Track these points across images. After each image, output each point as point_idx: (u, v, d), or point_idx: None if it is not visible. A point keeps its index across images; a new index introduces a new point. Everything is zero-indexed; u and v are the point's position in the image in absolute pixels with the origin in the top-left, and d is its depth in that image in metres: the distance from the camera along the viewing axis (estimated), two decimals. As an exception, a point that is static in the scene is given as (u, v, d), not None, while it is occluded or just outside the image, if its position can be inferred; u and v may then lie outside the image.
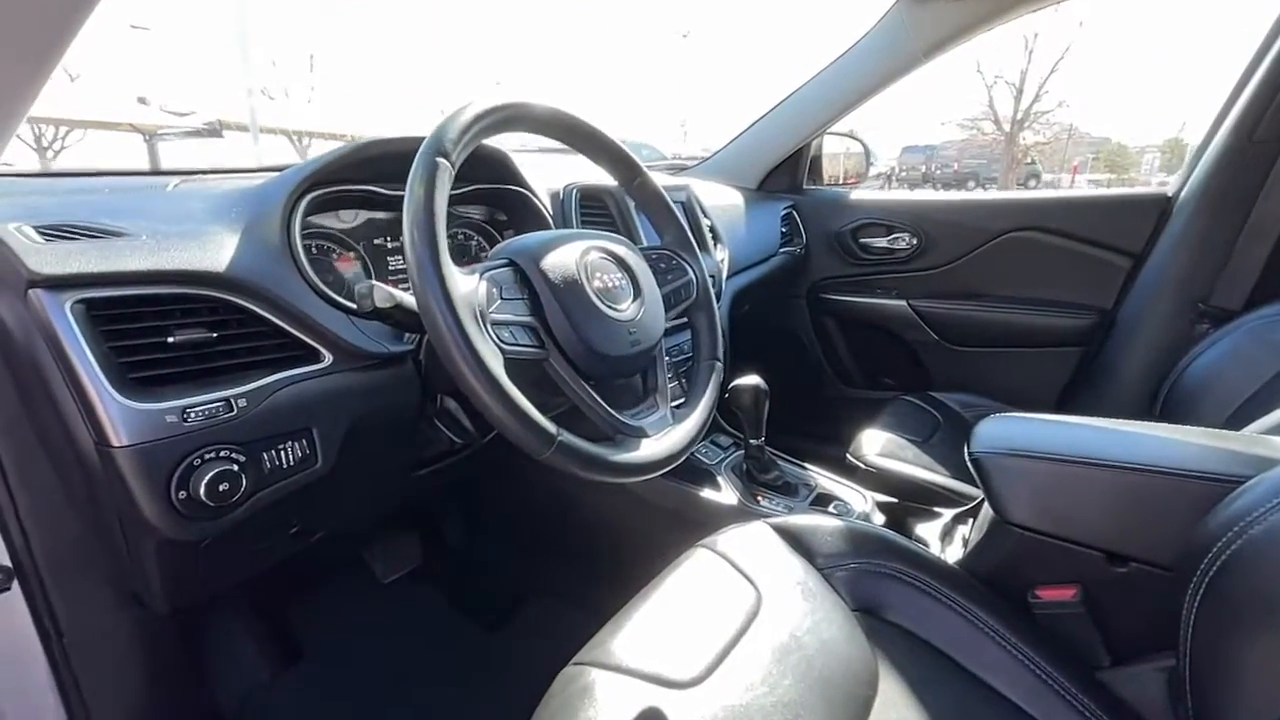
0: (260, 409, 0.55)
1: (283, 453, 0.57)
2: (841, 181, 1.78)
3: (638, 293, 0.64)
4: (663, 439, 0.62)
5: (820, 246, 1.60)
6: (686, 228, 0.77)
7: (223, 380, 0.54)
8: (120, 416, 0.48)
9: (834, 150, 1.73)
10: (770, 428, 0.99)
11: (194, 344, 0.53)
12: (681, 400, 0.70)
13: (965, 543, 0.87)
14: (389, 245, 0.80)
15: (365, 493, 0.76)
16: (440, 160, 0.51)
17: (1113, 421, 0.76)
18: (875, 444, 1.13)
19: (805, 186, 1.66)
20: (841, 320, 1.63)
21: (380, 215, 0.79)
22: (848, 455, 1.14)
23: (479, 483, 1.12)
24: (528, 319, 0.55)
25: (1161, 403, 1.16)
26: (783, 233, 1.53)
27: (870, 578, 0.73)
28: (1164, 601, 0.58)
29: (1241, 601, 0.50)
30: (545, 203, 0.89)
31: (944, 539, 0.91)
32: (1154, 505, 0.63)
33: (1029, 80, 18.19)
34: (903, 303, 1.50)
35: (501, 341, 0.52)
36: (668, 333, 0.70)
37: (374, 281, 0.53)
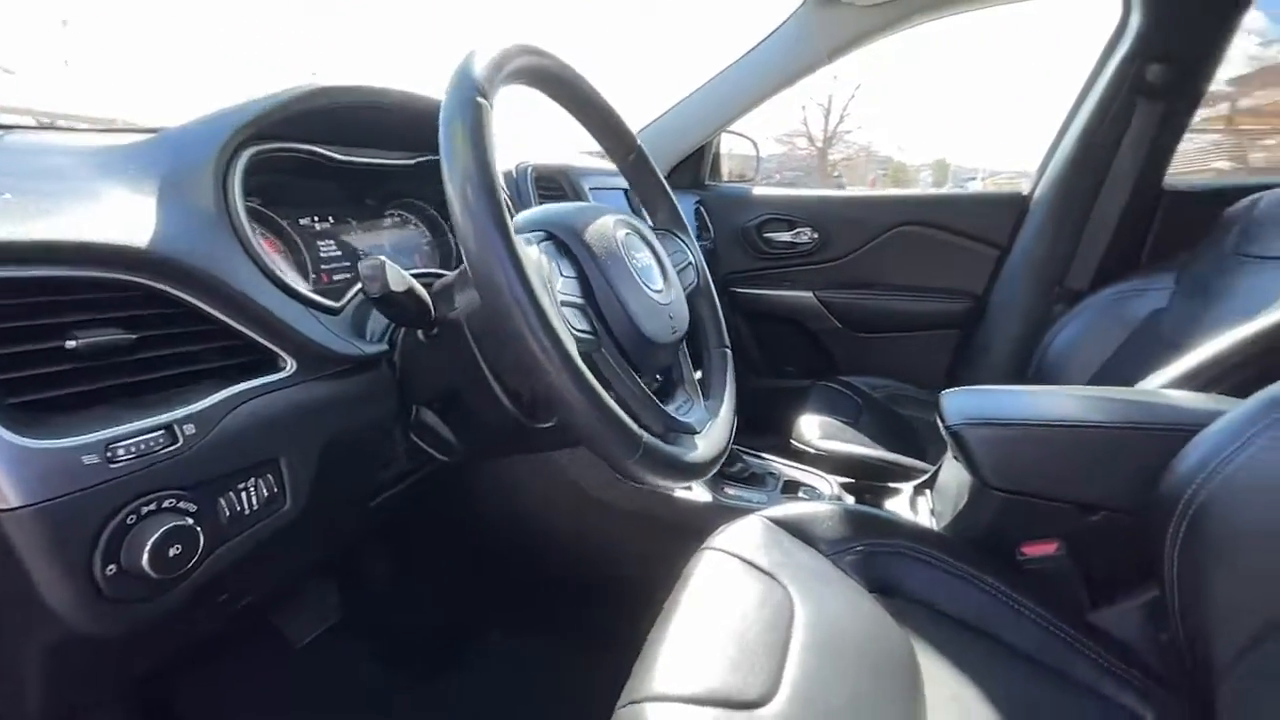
0: (214, 437, 0.40)
1: (244, 494, 0.42)
2: (731, 176, 1.83)
3: (665, 274, 0.58)
4: (711, 434, 0.56)
5: (727, 241, 1.63)
6: (676, 204, 0.72)
7: (156, 400, 0.39)
8: (7, 463, 0.31)
9: (727, 148, 1.78)
10: None
11: (105, 350, 0.37)
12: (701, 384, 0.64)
13: (932, 512, 0.92)
14: (318, 227, 0.65)
15: (320, 538, 0.60)
16: (483, 101, 0.41)
17: (1057, 388, 0.84)
18: (814, 429, 1.16)
19: (708, 182, 1.68)
20: (748, 312, 1.67)
21: (321, 187, 0.63)
22: (793, 442, 1.15)
23: (415, 512, 0.96)
24: (579, 300, 0.47)
25: (1032, 373, 1.33)
26: (695, 227, 1.53)
27: (878, 557, 0.73)
28: (1135, 543, 0.65)
29: (1217, 539, 0.57)
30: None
31: (910, 510, 0.96)
32: (1113, 457, 0.70)
33: (835, 105, 20.56)
34: (809, 294, 1.57)
35: (571, 326, 0.43)
36: None
37: (384, 258, 0.41)
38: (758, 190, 1.67)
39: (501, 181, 0.40)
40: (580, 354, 0.46)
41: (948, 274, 1.50)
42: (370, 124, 0.59)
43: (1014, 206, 1.43)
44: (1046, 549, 0.73)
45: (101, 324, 0.37)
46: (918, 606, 0.69)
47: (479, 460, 0.85)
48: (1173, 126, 1.22)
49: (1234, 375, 0.82)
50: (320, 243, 0.65)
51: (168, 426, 0.38)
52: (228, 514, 0.41)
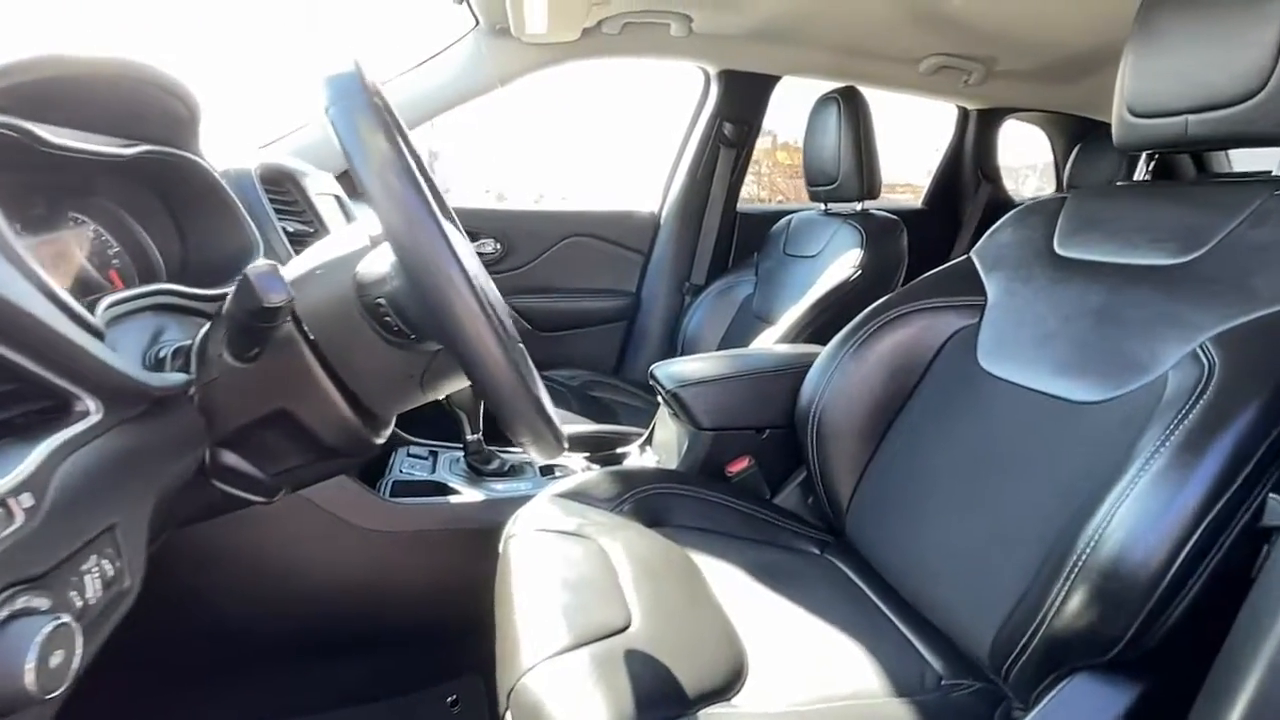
0: (50, 504, 0.30)
1: (89, 579, 0.32)
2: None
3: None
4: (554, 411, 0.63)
5: (411, 252, 1.61)
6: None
7: None
8: None
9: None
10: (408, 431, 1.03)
11: None
12: None
13: (657, 462, 1.15)
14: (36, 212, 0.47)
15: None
16: (376, 99, 0.40)
17: (722, 353, 1.16)
18: (542, 418, 1.29)
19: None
20: (442, 323, 1.68)
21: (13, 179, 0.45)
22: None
23: None
24: None
25: (680, 349, 1.74)
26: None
27: (645, 500, 0.90)
28: (789, 447, 0.99)
29: (831, 430, 0.92)
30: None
31: (642, 464, 1.17)
32: (771, 392, 1.03)
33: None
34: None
35: None
36: None
37: (273, 262, 0.37)
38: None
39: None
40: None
41: (609, 276, 1.81)
42: (90, 101, 0.47)
43: (649, 221, 1.81)
44: (742, 464, 1.02)
45: None
46: (682, 529, 0.89)
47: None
48: (741, 168, 1.76)
49: (805, 331, 1.27)
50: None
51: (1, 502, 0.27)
52: (78, 606, 0.31)
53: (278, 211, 0.74)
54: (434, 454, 1.08)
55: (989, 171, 2.08)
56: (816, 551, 0.93)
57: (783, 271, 1.59)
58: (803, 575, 0.85)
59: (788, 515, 0.98)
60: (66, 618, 0.28)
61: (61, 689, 0.28)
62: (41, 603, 0.28)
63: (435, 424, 1.06)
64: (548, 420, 0.47)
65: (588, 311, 1.80)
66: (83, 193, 0.58)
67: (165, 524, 0.45)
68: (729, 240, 1.83)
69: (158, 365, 0.46)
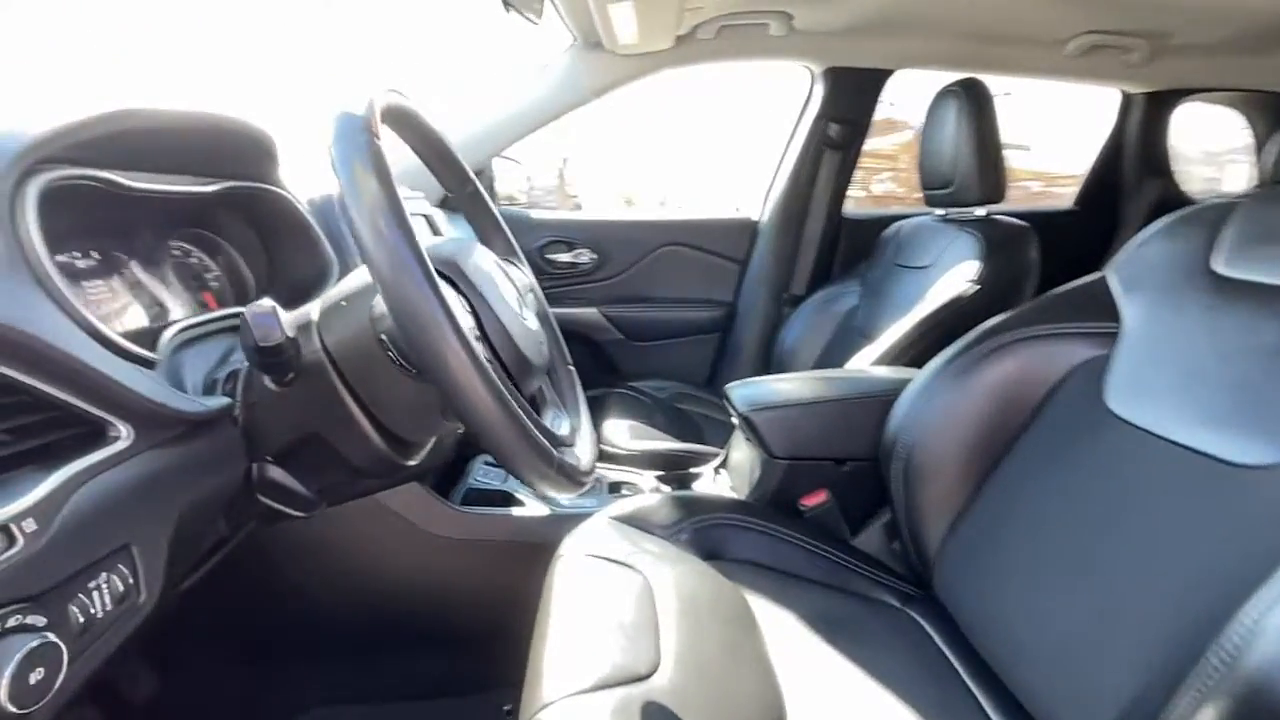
0: (56, 529, 0.33)
1: (96, 594, 0.35)
2: (506, 201, 1.88)
3: (524, 301, 0.61)
4: (582, 443, 0.61)
5: (511, 263, 1.67)
6: (511, 237, 0.75)
7: None
8: None
9: (500, 173, 1.82)
10: None
11: None
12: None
13: (731, 487, 1.09)
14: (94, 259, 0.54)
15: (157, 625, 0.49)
16: (376, 140, 0.40)
17: (811, 373, 1.08)
18: (621, 432, 1.28)
19: (485, 206, 1.69)
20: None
21: (107, 218, 0.52)
22: (603, 446, 1.25)
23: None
24: (477, 331, 0.48)
25: (773, 364, 1.65)
26: (479, 250, 1.54)
27: (705, 531, 0.86)
28: (873, 482, 0.89)
29: (917, 468, 0.82)
30: (304, 209, 0.72)
31: (714, 489, 1.12)
32: (855, 421, 0.94)
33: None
34: (593, 309, 1.70)
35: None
36: None
37: (272, 302, 0.38)
38: (535, 214, 1.75)
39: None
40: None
41: (704, 286, 1.77)
42: (169, 149, 0.52)
43: (747, 229, 1.74)
44: (819, 498, 0.94)
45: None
46: (742, 565, 0.83)
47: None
48: (846, 170, 1.64)
49: (909, 352, 1.15)
50: (101, 281, 0.54)
51: (3, 527, 0.30)
52: (80, 621, 0.33)
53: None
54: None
55: (1158, 164, 1.76)
56: (896, 604, 0.83)
57: (890, 283, 1.45)
58: (874, 631, 0.76)
59: (867, 560, 0.88)
60: (53, 636, 0.31)
61: (41, 703, 0.30)
62: (36, 620, 0.31)
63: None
64: (549, 460, 0.46)
65: (682, 322, 1.77)
66: (184, 224, 0.65)
67: (207, 533, 0.48)
68: (832, 249, 1.72)
69: (211, 388, 0.50)
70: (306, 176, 0.73)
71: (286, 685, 0.90)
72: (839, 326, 1.55)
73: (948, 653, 0.74)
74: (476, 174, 1.62)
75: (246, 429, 0.50)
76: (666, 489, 1.11)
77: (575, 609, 0.68)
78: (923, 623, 0.79)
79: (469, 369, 0.39)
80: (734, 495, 1.04)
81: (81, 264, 0.53)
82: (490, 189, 1.73)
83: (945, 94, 1.30)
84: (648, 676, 0.59)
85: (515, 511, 0.96)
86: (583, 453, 0.59)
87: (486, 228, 0.73)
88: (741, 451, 1.06)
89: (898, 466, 0.84)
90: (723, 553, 0.84)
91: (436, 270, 0.50)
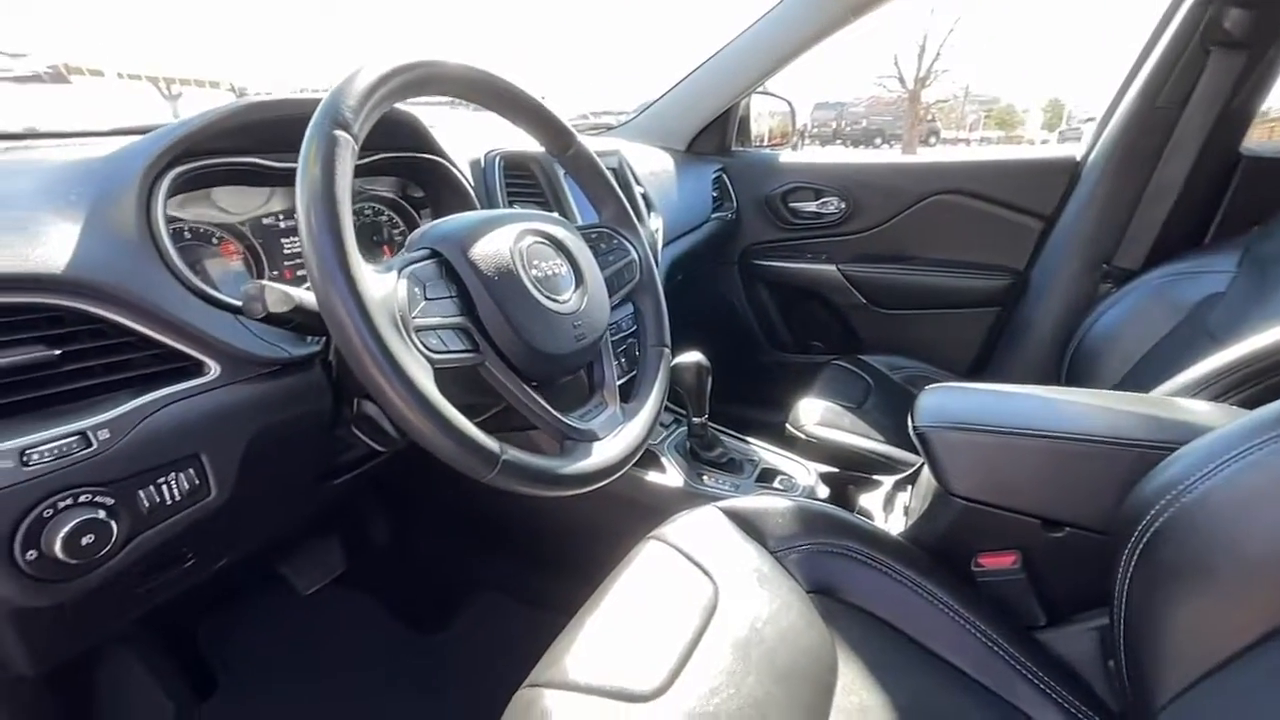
0: (130, 439, 0.45)
1: (165, 488, 0.48)
2: (768, 143, 1.75)
3: (580, 280, 0.58)
4: (615, 440, 0.57)
5: (750, 211, 1.58)
6: (625, 200, 0.71)
7: (74, 409, 0.44)
8: None
9: (760, 110, 1.69)
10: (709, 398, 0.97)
11: (28, 367, 0.43)
12: (628, 392, 0.65)
13: (906, 510, 0.89)
14: (282, 224, 0.69)
15: (271, 512, 0.66)
16: (340, 134, 0.42)
17: (1047, 390, 0.78)
18: (813, 413, 1.14)
19: (734, 148, 1.61)
20: (773, 286, 1.62)
21: (267, 193, 0.67)
22: (787, 426, 1.14)
23: (403, 478, 1.04)
24: (458, 319, 0.48)
25: (1069, 359, 1.23)
26: (714, 197, 1.48)
27: (822, 557, 0.72)
28: (1097, 563, 0.61)
29: (1173, 565, 0.53)
30: (465, 172, 0.79)
31: (886, 507, 0.93)
32: (1088, 472, 0.65)
33: (930, 41, 18.96)
34: (832, 267, 1.50)
35: (429, 350, 0.45)
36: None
37: (264, 281, 0.44)
38: (784, 157, 1.60)
39: (348, 213, 0.41)
40: (459, 369, 0.48)
41: (985, 248, 1.39)
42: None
43: (1064, 172, 1.29)
44: (1003, 561, 0.70)
45: (25, 343, 0.43)
46: (853, 610, 0.68)
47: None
48: (1255, 82, 1.05)
49: (1257, 382, 0.73)
50: (285, 240, 0.70)
51: (82, 433, 0.43)
52: (147, 505, 0.47)
53: (514, 194, 0.84)
54: (678, 422, 1.09)
55: None
56: (1076, 743, 0.58)
57: (1295, 264, 0.92)
58: (1008, 767, 0.56)
59: (1050, 666, 0.63)
60: (102, 514, 0.43)
61: (92, 560, 0.43)
62: (106, 500, 0.44)
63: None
64: (487, 461, 0.43)
65: (947, 291, 1.44)
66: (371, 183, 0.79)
67: (287, 453, 0.59)
68: (1210, 202, 1.15)
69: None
70: (458, 144, 0.80)
71: (461, 567, 1.10)
72: (1183, 322, 1.06)
73: None
74: (726, 113, 1.56)
75: (339, 373, 0.60)
76: (824, 490, 0.95)
77: (626, 600, 0.66)
78: (1104, 787, 0.54)
79: (384, 369, 0.39)
80: (904, 520, 0.85)
81: (283, 223, 0.69)
82: (744, 130, 1.64)
83: None
84: (643, 700, 0.54)
85: (651, 475, 0.95)
86: (605, 449, 0.55)
87: (596, 192, 0.69)
88: (929, 477, 0.84)
89: (1146, 555, 0.56)
90: (836, 589, 0.70)
91: (436, 252, 0.50)
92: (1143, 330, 1.11)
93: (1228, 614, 0.49)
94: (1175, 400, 0.75)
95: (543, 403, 0.52)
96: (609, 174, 0.69)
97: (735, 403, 1.54)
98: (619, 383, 0.64)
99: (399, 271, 0.46)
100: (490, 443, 0.45)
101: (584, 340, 0.56)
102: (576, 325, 0.55)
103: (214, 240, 0.63)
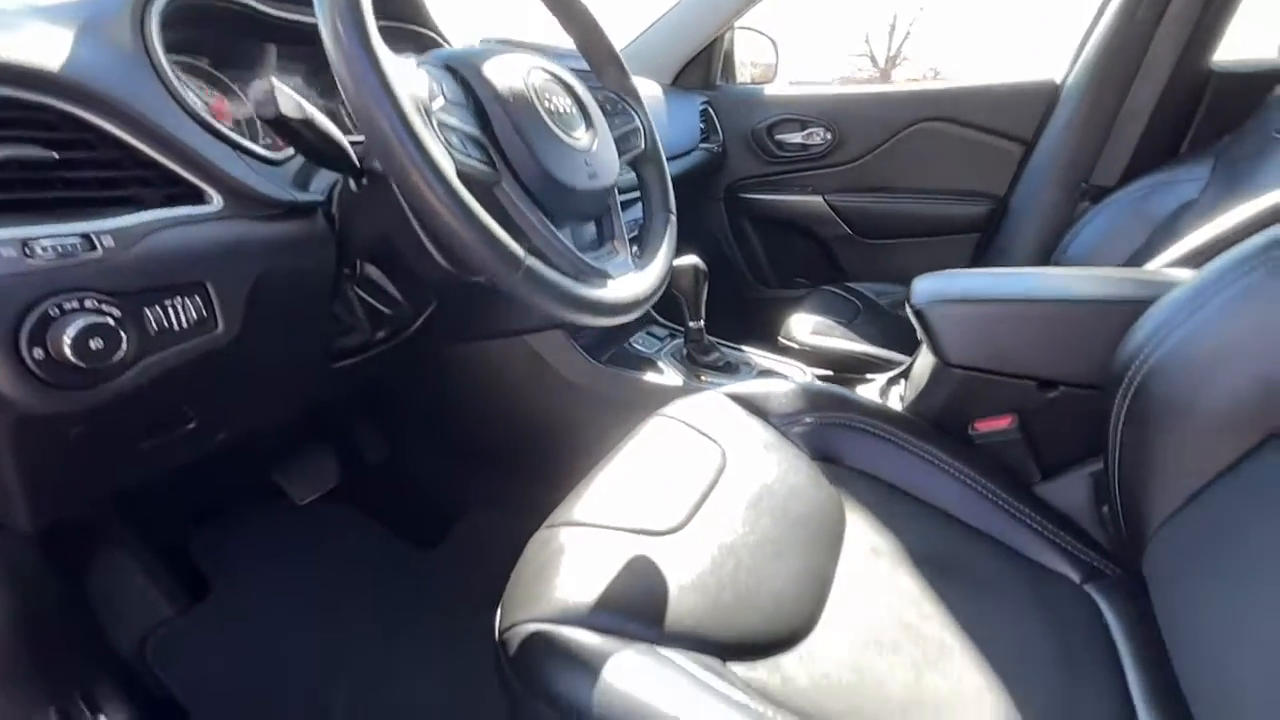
0: (134, 252, 0.44)
1: (172, 310, 0.46)
2: (751, 81, 1.75)
3: (590, 122, 0.57)
4: (627, 283, 0.57)
5: (737, 145, 1.58)
6: (626, 68, 0.70)
7: (77, 213, 0.42)
8: None
9: (742, 59, 1.69)
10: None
11: (24, 163, 0.41)
12: (636, 251, 0.65)
13: (901, 400, 0.91)
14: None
15: (275, 381, 0.65)
16: None
17: (1031, 269, 0.80)
18: (805, 326, 1.16)
19: (719, 83, 1.61)
20: (757, 220, 1.63)
21: (265, 47, 0.64)
22: (780, 338, 1.15)
23: (397, 388, 1.02)
24: (475, 132, 0.47)
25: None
26: (700, 128, 1.48)
27: (826, 429, 0.73)
28: (1090, 419, 0.63)
29: (1161, 403, 0.55)
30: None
31: (881, 399, 0.95)
32: (1080, 332, 0.68)
33: (900, 21, 19.12)
34: (819, 198, 1.52)
35: (451, 147, 0.44)
36: None
37: (277, 82, 0.43)
38: (770, 90, 1.60)
39: (371, 15, 0.40)
40: (474, 181, 0.48)
41: (967, 174, 1.42)
42: None
43: (1043, 97, 1.32)
44: (1000, 424, 0.72)
45: (20, 141, 0.41)
46: (858, 474, 0.70)
47: (447, 341, 0.89)
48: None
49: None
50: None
51: (86, 235, 0.41)
52: (155, 326, 0.45)
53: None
54: (672, 336, 1.10)
55: None
56: (1074, 578, 0.61)
57: (1265, 161, 0.96)
58: (1017, 597, 0.58)
59: (1049, 514, 0.66)
60: (110, 321, 0.42)
61: (100, 368, 0.42)
62: (113, 310, 0.43)
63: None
64: (510, 263, 0.43)
65: (929, 218, 1.47)
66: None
67: (295, 303, 0.58)
68: (1182, 117, 1.19)
69: (329, 191, 0.60)
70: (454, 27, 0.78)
71: (455, 485, 1.09)
72: (1158, 230, 1.10)
73: (1123, 648, 0.53)
74: (710, 47, 1.54)
75: (340, 226, 0.58)
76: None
77: (637, 459, 0.66)
78: (1102, 606, 0.57)
79: (411, 153, 0.38)
80: (888, 404, 0.86)
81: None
82: (729, 65, 1.63)
83: None
84: (660, 534, 0.55)
85: (649, 376, 0.96)
86: (619, 288, 0.55)
87: (597, 58, 0.68)
88: (923, 360, 0.86)
89: (1136, 400, 0.58)
90: (839, 456, 0.72)
91: (452, 69, 0.49)
92: (1120, 243, 1.14)
93: (1210, 440, 0.52)
94: (1148, 269, 0.78)
95: (555, 231, 0.52)
96: (611, 41, 0.68)
97: (721, 339, 1.55)
98: (629, 236, 0.64)
99: (418, 64, 0.44)
100: (516, 246, 0.44)
101: (596, 181, 0.56)
102: (589, 163, 0.55)
103: (204, 94, 0.60)
